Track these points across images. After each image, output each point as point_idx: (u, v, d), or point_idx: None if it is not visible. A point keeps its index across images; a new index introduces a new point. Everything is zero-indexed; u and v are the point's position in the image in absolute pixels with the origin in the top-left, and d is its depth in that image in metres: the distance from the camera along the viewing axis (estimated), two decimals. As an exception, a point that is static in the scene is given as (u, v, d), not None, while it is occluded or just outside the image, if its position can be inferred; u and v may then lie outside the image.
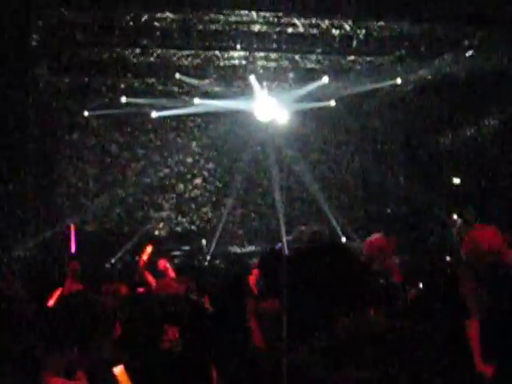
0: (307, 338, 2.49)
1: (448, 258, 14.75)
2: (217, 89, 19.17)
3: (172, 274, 9.35)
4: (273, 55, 17.37)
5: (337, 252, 2.71)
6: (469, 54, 16.64)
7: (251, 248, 19.93)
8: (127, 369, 3.84)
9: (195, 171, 21.70)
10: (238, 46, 16.69)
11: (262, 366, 3.82)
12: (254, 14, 15.17)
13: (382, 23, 15.60)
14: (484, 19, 14.76)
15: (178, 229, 21.21)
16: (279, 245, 11.25)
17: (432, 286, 6.05)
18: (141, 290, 7.99)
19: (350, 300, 2.57)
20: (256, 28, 15.73)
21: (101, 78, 18.79)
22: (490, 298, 4.14)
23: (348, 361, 2.06)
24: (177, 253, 18.86)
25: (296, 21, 15.43)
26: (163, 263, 9.50)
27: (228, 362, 4.80)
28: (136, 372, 4.02)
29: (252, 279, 7.47)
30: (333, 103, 19.15)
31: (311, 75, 18.10)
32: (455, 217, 17.95)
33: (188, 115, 20.05)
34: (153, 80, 19.06)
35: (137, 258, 17.85)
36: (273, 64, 17.88)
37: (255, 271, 7.82)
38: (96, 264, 16.48)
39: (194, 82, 18.46)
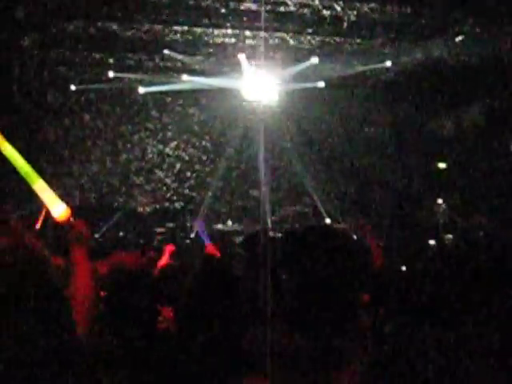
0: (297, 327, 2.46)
1: (432, 242, 14.81)
2: (205, 66, 19.08)
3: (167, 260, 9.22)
4: (262, 34, 17.26)
5: (335, 237, 2.67)
6: (459, 39, 16.61)
7: (235, 226, 19.93)
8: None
9: (181, 148, 21.63)
10: (228, 24, 16.61)
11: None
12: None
13: (373, 5, 15.53)
14: (475, 6, 14.73)
15: (162, 206, 21.15)
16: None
17: (415, 270, 6.03)
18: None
19: (349, 288, 2.54)
20: (246, 6, 15.62)
21: (88, 53, 18.62)
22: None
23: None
24: (161, 229, 18.87)
25: (287, 0, 15.34)
26: (170, 249, 9.29)
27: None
28: (133, 358, 3.97)
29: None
30: (322, 84, 19.08)
31: (301, 55, 18.04)
32: (440, 201, 18.02)
33: (176, 92, 19.92)
34: (141, 55, 18.91)
35: (121, 234, 17.98)
36: (262, 43, 17.78)
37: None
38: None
39: (183, 58, 18.35)
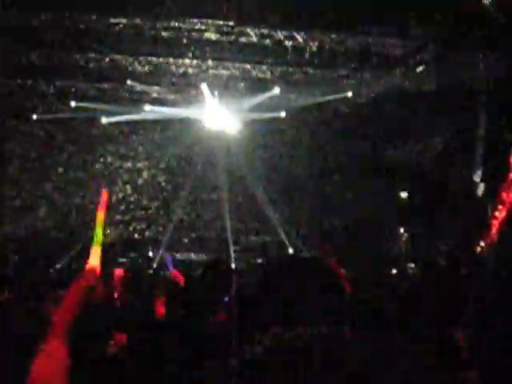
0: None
1: (394, 271, 14.87)
2: (168, 96, 19.11)
3: (121, 285, 9.11)
4: (225, 64, 17.35)
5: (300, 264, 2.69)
6: (419, 69, 16.82)
7: (197, 256, 19.88)
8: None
9: (144, 178, 21.58)
10: (190, 54, 16.67)
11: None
12: (207, 22, 15.14)
13: (334, 36, 15.68)
14: (436, 36, 14.94)
15: (125, 235, 21.04)
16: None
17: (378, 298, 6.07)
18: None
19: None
20: (209, 36, 15.70)
21: (50, 82, 18.55)
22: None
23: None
24: (123, 259, 18.75)
25: (249, 30, 15.44)
26: (119, 273, 9.23)
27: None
28: (78, 370, 3.99)
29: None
30: (283, 114, 19.19)
31: (263, 85, 18.13)
32: (402, 230, 18.13)
33: (138, 122, 19.89)
34: (103, 85, 18.88)
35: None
36: (224, 73, 17.86)
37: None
38: (40, 270, 16.32)
39: (145, 88, 18.37)
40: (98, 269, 4.45)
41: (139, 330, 5.05)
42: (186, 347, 4.78)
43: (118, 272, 8.97)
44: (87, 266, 4.47)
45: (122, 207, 21.35)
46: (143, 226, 21.45)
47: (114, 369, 4.59)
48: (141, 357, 4.72)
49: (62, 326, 3.61)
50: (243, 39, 15.80)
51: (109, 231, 20.79)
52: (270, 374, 2.08)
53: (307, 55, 16.44)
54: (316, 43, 16.01)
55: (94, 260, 4.53)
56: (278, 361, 2.09)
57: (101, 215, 4.87)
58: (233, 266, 17.27)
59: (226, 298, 5.23)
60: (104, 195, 4.86)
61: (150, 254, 19.64)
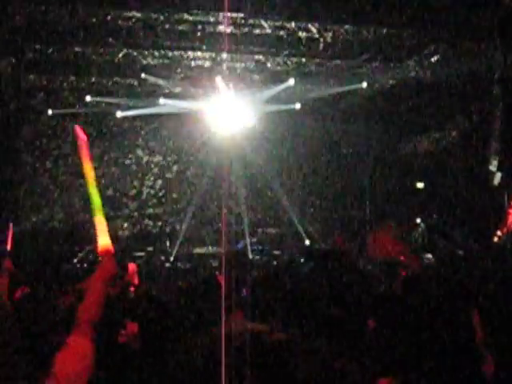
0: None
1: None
2: (183, 89, 19.10)
3: (136, 279, 9.14)
4: (239, 56, 17.33)
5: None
6: (434, 59, 16.75)
7: (214, 249, 19.84)
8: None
9: (160, 172, 21.58)
10: (205, 47, 16.66)
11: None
12: (220, 14, 15.12)
13: (348, 27, 15.63)
14: (450, 25, 14.86)
15: (142, 229, 21.06)
16: (241, 244, 11.20)
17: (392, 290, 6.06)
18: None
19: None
20: (223, 29, 15.68)
21: (65, 77, 18.60)
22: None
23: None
24: (140, 253, 18.75)
25: (263, 22, 15.41)
26: (132, 267, 9.27)
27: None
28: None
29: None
30: (298, 106, 19.14)
31: (277, 77, 18.10)
32: (418, 221, 18.06)
33: (153, 115, 19.88)
34: (118, 79, 18.91)
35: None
36: (239, 65, 17.85)
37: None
38: (57, 264, 16.38)
39: (160, 81, 18.36)
40: (111, 247, 4.16)
41: (151, 319, 5.05)
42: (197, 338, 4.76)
43: (132, 267, 9.00)
44: (99, 249, 4.20)
45: (138, 201, 21.37)
46: (160, 219, 21.44)
47: (125, 358, 4.61)
48: (152, 346, 4.73)
49: (87, 321, 3.54)
50: (257, 31, 15.78)
51: (125, 225, 20.86)
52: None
53: (321, 46, 16.41)
54: (330, 34, 15.97)
55: (103, 237, 4.17)
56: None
57: (87, 168, 4.32)
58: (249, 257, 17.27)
59: (244, 292, 5.21)
60: (82, 142, 4.24)
61: (167, 246, 19.62)
